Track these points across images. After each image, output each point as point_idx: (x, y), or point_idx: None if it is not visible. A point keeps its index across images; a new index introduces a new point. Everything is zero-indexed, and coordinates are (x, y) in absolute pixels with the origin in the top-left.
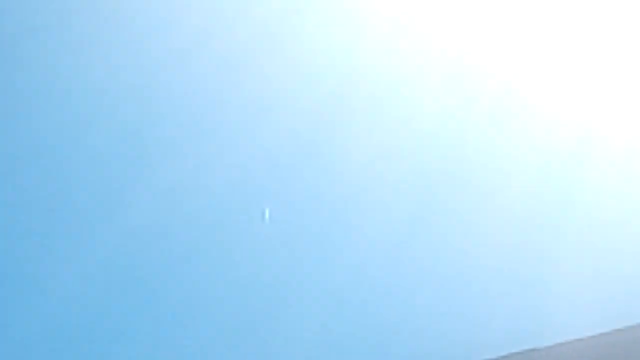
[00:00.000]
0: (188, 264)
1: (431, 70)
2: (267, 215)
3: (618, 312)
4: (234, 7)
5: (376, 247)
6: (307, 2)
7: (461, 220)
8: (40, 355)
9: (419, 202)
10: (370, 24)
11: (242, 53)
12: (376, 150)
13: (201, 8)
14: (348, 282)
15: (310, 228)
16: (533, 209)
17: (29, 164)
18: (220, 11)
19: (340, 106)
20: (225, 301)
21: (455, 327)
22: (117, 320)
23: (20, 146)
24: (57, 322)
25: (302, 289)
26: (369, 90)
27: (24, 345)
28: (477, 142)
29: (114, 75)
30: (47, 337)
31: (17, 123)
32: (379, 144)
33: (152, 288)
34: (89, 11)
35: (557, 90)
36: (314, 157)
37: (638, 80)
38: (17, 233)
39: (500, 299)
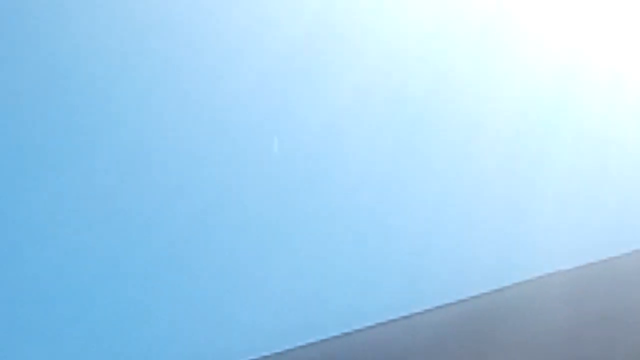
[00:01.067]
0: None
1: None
2: (276, 145)
3: (606, 242)
4: None
5: (364, 173)
6: None
7: (448, 145)
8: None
9: (405, 128)
10: None
11: None
12: (362, 76)
13: None
14: (338, 210)
15: (301, 157)
16: (521, 134)
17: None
18: None
19: (327, 32)
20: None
21: (443, 261)
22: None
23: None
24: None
25: (292, 219)
26: (356, 15)
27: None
28: (463, 74)
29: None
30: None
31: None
32: (365, 70)
33: (161, 221)
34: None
35: (546, 14)
36: (300, 83)
37: (626, 5)
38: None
39: (489, 230)
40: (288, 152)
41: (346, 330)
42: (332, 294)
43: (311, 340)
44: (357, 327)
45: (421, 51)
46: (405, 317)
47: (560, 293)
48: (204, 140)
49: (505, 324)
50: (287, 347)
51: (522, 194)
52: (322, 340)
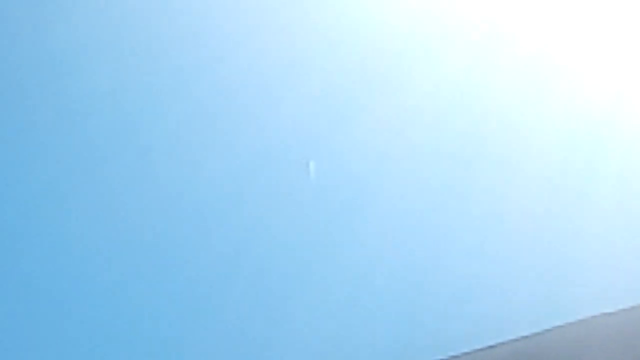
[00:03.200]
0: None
1: (458, 35)
2: (312, 169)
3: None
4: None
5: (402, 211)
6: None
7: (489, 183)
8: None
9: (444, 170)
10: None
11: (273, 22)
12: (403, 117)
13: None
14: (376, 247)
15: (341, 191)
16: (559, 179)
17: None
18: None
19: (365, 71)
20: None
21: (480, 304)
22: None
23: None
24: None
25: (327, 255)
26: (396, 57)
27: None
28: (504, 110)
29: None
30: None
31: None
32: (405, 111)
33: (189, 245)
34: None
35: (586, 57)
36: (337, 121)
37: None
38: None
39: (526, 274)
40: (332, 186)
41: None
42: (358, 332)
43: None
44: None
45: (461, 89)
46: None
47: (606, 337)
48: (244, 168)
49: None
50: None
51: (566, 234)
52: None
